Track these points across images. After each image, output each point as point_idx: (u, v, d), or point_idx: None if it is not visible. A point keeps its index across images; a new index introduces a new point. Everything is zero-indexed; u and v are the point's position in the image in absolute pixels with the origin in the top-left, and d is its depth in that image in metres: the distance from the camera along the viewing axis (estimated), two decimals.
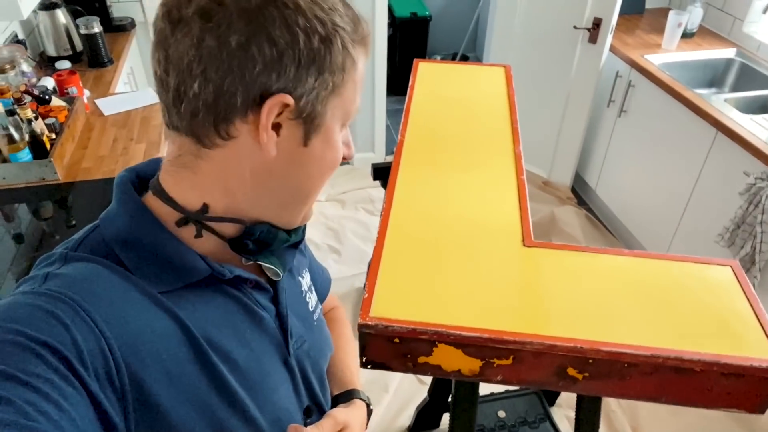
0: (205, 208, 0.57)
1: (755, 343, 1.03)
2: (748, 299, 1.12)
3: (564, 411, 1.92)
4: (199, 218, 0.57)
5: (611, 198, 2.75)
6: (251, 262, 0.63)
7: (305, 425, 0.62)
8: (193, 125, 0.52)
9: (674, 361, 1.00)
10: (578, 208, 2.88)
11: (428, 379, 1.89)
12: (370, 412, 0.80)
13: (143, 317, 0.52)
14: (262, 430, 0.60)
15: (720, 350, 1.01)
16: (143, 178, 0.61)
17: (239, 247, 0.60)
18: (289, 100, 0.51)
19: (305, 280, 0.77)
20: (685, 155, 2.21)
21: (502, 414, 1.69)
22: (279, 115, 0.52)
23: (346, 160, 0.62)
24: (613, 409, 1.92)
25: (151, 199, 0.58)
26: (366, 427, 0.78)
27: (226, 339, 0.58)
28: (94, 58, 2.24)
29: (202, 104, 0.50)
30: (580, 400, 1.40)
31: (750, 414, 1.05)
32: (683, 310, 1.09)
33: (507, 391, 1.76)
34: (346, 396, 0.78)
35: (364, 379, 2.09)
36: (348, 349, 0.89)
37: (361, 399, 0.79)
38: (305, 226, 0.68)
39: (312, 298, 0.77)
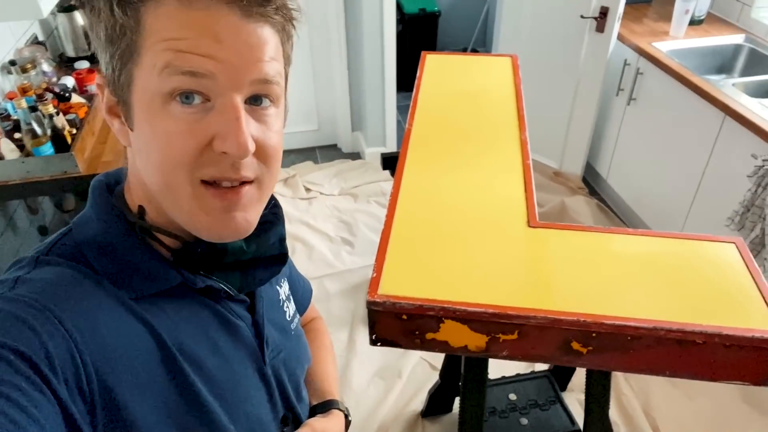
0: (141, 211, 0.56)
1: (758, 316, 1.04)
2: (751, 274, 1.14)
3: (576, 395, 1.93)
4: (140, 224, 0.55)
5: (622, 186, 2.75)
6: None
7: None
8: None
9: (677, 333, 1.02)
10: (589, 197, 2.88)
11: (440, 364, 1.92)
12: (348, 423, 0.79)
13: (114, 324, 0.51)
14: None
15: (722, 322, 1.03)
16: (121, 182, 0.60)
17: (183, 261, 0.57)
18: (101, 81, 0.51)
19: (283, 290, 0.76)
20: (695, 141, 2.21)
21: (513, 397, 1.71)
22: (114, 103, 0.52)
23: (228, 153, 0.50)
24: (624, 392, 1.93)
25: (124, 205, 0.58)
26: None
27: (199, 348, 0.57)
28: None
29: None
30: (588, 379, 1.42)
31: (753, 386, 1.07)
32: (687, 285, 1.11)
33: (518, 375, 1.79)
34: (325, 406, 0.77)
35: (378, 365, 2.12)
36: (327, 359, 0.87)
37: (339, 409, 0.78)
38: (278, 236, 0.64)
39: (290, 308, 0.76)
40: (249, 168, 0.52)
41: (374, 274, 1.11)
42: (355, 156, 3.34)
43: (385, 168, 2.03)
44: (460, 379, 1.41)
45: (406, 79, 3.62)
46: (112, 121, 0.54)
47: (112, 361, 0.49)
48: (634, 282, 1.12)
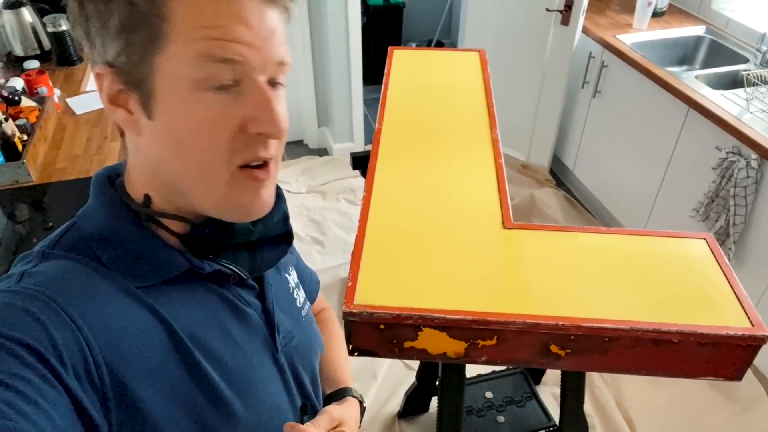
0: (147, 199, 0.55)
1: (730, 313, 1.06)
2: (722, 270, 1.15)
3: (549, 388, 1.95)
4: (143, 211, 0.55)
5: (589, 178, 2.79)
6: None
7: (301, 423, 0.61)
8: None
9: (653, 334, 1.02)
10: (557, 189, 2.91)
11: (416, 365, 1.91)
12: (363, 410, 0.80)
13: (123, 314, 0.51)
14: (250, 428, 0.59)
15: (697, 321, 1.04)
16: (121, 175, 0.60)
17: (192, 245, 0.57)
18: (103, 70, 0.50)
19: (292, 277, 0.76)
20: (659, 133, 2.24)
21: (489, 395, 1.71)
22: (120, 91, 0.51)
23: (265, 135, 0.52)
24: (597, 384, 1.96)
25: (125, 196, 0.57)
26: (360, 424, 0.78)
27: (211, 336, 0.57)
28: (63, 56, 2.19)
29: None
30: (564, 376, 1.43)
31: (728, 381, 1.09)
32: (660, 284, 1.12)
33: (493, 372, 1.79)
34: (339, 394, 0.78)
35: (352, 367, 2.10)
36: (339, 347, 0.88)
37: (353, 396, 0.78)
38: (282, 215, 0.65)
39: (300, 295, 0.76)
40: (273, 146, 0.54)
41: (349, 283, 1.08)
42: (323, 152, 3.29)
43: (355, 168, 1.99)
44: (437, 379, 1.40)
45: (372, 72, 3.58)
46: (116, 111, 0.52)
47: (121, 351, 0.49)
48: (608, 282, 1.12)
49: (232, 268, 0.60)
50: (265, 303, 0.65)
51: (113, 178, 0.59)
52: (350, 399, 0.77)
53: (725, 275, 1.14)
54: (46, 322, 0.45)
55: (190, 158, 0.51)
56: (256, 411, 0.60)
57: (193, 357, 0.54)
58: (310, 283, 0.88)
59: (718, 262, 1.17)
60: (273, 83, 0.53)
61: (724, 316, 1.05)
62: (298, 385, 0.69)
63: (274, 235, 0.64)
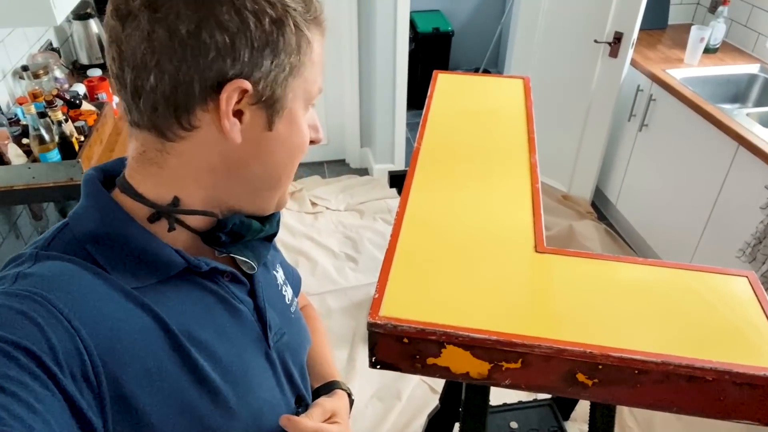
0: (176, 201, 0.56)
1: None
2: (763, 309, 1.10)
3: (578, 425, 1.89)
4: (171, 211, 0.56)
5: (632, 212, 2.72)
6: (224, 255, 0.62)
7: (297, 415, 0.62)
8: (154, 119, 0.52)
9: (686, 369, 0.98)
10: (598, 222, 2.85)
11: (440, 388, 1.88)
12: (351, 402, 0.82)
13: (119, 314, 0.51)
14: (245, 423, 0.60)
15: (733, 359, 0.99)
16: (110, 176, 0.60)
17: (212, 239, 0.59)
18: (247, 85, 0.51)
19: (279, 274, 0.77)
20: (707, 170, 2.18)
21: (514, 425, 1.67)
22: (240, 101, 0.52)
23: (314, 143, 0.62)
24: (629, 425, 1.89)
25: (119, 196, 0.57)
26: (349, 416, 0.79)
27: (206, 334, 0.57)
28: None
29: (161, 97, 0.50)
30: (593, 412, 1.38)
31: (765, 426, 1.03)
32: (696, 319, 1.08)
33: (520, 402, 1.74)
34: (328, 387, 0.80)
35: (376, 386, 2.09)
36: (323, 342, 0.90)
37: (342, 389, 0.80)
38: (279, 216, 0.68)
39: (288, 292, 0.77)
40: None
41: (376, 295, 1.09)
42: (363, 172, 3.34)
43: (392, 186, 2.01)
44: (461, 404, 1.38)
45: (417, 97, 3.62)
46: (233, 122, 0.53)
47: (118, 352, 0.49)
48: (642, 313, 1.09)
49: (241, 258, 0.62)
50: (257, 300, 0.66)
51: (101, 179, 0.59)
52: (339, 391, 0.79)
53: (766, 315, 1.09)
54: (42, 324, 0.45)
55: (288, 164, 0.59)
56: (251, 407, 0.60)
57: (189, 355, 0.55)
58: (293, 279, 0.89)
59: (759, 301, 1.12)
60: None
61: (763, 357, 1.00)
62: (289, 380, 0.70)
63: (271, 233, 0.67)
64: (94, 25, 2.29)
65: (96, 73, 2.22)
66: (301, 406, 0.71)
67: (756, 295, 1.14)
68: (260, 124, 0.54)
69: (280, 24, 0.51)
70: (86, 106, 1.85)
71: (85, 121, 1.74)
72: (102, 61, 2.34)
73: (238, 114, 0.53)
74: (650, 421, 1.90)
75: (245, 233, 0.61)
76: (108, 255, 0.54)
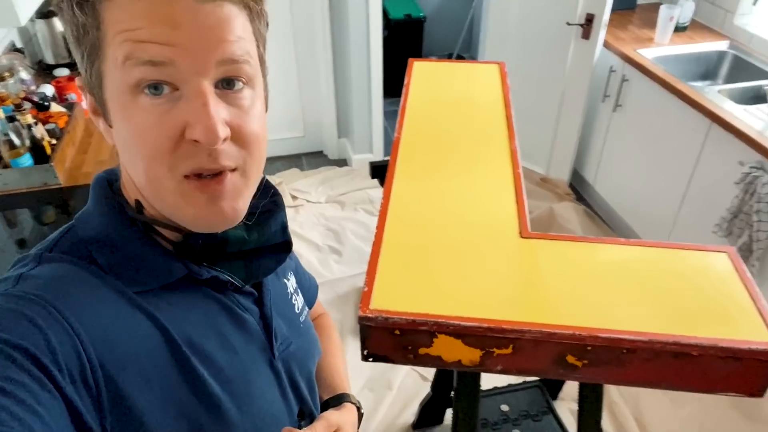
0: (139, 206, 0.55)
1: (752, 327, 1.04)
2: (744, 284, 1.13)
3: (567, 404, 1.92)
4: (140, 218, 0.55)
5: (609, 193, 2.76)
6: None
7: (299, 428, 0.60)
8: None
9: (672, 346, 1.01)
10: (577, 203, 2.89)
11: (431, 376, 1.90)
12: (361, 416, 0.79)
13: (119, 318, 0.51)
14: None
15: (717, 334, 1.02)
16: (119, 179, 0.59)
17: (185, 254, 0.57)
18: (79, 82, 0.52)
19: (291, 283, 0.75)
20: (681, 147, 2.22)
21: (505, 408, 1.70)
22: (92, 103, 0.52)
23: (199, 141, 0.48)
24: (615, 401, 1.93)
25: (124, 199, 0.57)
26: (357, 430, 0.77)
27: (208, 342, 0.57)
28: None
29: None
30: (582, 391, 1.41)
31: (748, 397, 1.06)
32: (680, 296, 1.10)
33: (510, 385, 1.77)
34: (337, 400, 0.78)
35: (367, 376, 2.09)
36: (336, 353, 0.87)
37: (351, 402, 0.78)
38: (279, 225, 0.64)
39: (298, 300, 0.75)
40: (228, 156, 0.50)
41: (365, 288, 1.09)
42: (342, 163, 3.32)
43: (374, 177, 2.01)
44: (453, 390, 1.39)
45: (392, 84, 3.60)
46: (97, 122, 0.54)
47: (117, 356, 0.49)
48: (627, 293, 1.11)
49: (227, 275, 0.59)
50: (263, 309, 0.65)
51: (113, 181, 0.59)
52: (348, 405, 0.77)
53: (747, 289, 1.12)
54: (43, 326, 0.45)
55: (137, 165, 0.50)
56: (252, 417, 0.59)
57: (189, 362, 0.54)
58: (309, 287, 0.88)
59: (740, 276, 1.15)
60: (228, 84, 0.50)
61: (746, 331, 1.03)
62: (294, 391, 0.68)
63: (272, 244, 0.63)
64: (58, 23, 2.22)
65: (63, 72, 2.16)
66: (304, 419, 0.69)
67: (736, 270, 1.16)
68: (106, 122, 0.52)
69: (62, 11, 0.49)
70: (56, 107, 1.80)
71: (56, 123, 1.70)
72: (69, 60, 2.28)
73: (95, 113, 0.53)
74: (636, 398, 1.95)
75: (224, 246, 0.58)
76: (110, 259, 0.54)
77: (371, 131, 3.17)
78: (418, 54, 3.94)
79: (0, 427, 0.39)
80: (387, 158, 3.28)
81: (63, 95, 1.93)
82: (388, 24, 3.71)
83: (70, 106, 1.85)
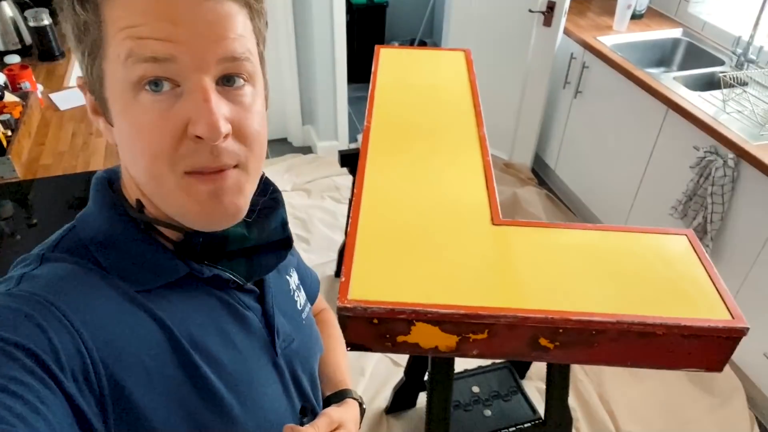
0: (139, 205, 0.55)
1: (712, 306, 1.10)
2: (703, 265, 1.19)
3: (534, 383, 1.99)
4: (141, 218, 0.55)
5: (570, 177, 2.83)
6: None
7: (301, 425, 0.60)
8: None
9: (638, 326, 1.05)
10: (539, 188, 2.95)
11: (403, 361, 1.93)
12: (363, 411, 0.80)
13: (122, 317, 0.51)
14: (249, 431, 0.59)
15: (680, 314, 1.07)
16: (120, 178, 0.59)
17: (187, 252, 0.57)
18: (80, 80, 0.52)
19: (293, 279, 0.75)
20: (639, 133, 2.29)
21: (476, 389, 1.74)
22: (92, 102, 0.53)
23: (202, 137, 0.48)
24: (580, 379, 2.00)
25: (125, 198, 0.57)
26: (360, 426, 0.77)
27: (211, 340, 0.57)
28: (45, 51, 2.16)
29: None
30: (549, 370, 1.46)
31: (709, 372, 1.13)
32: (644, 279, 1.15)
33: (480, 367, 1.81)
34: (339, 396, 0.78)
35: None
36: (338, 349, 0.87)
37: (353, 398, 0.78)
38: (279, 222, 0.64)
39: (300, 297, 0.75)
40: (229, 154, 0.50)
41: (343, 279, 1.10)
42: (307, 150, 3.29)
43: (343, 165, 2.00)
44: (426, 375, 1.42)
45: (356, 70, 3.58)
46: (97, 121, 0.53)
47: (120, 355, 0.49)
48: (595, 277, 1.15)
49: (228, 274, 0.59)
50: (265, 306, 0.65)
51: (113, 180, 0.59)
52: (350, 401, 0.77)
53: (706, 270, 1.18)
54: (45, 326, 0.45)
55: (139, 163, 0.50)
56: (255, 414, 0.59)
57: (192, 361, 0.54)
58: (311, 283, 0.88)
59: (699, 258, 1.21)
60: (229, 81, 0.50)
61: (706, 310, 1.09)
62: (297, 388, 0.68)
63: (273, 241, 0.63)
64: (7, 7, 2.11)
65: (14, 59, 2.06)
66: (306, 415, 0.69)
67: (695, 252, 1.22)
68: (107, 121, 0.53)
69: (63, 11, 0.49)
70: (9, 97, 1.72)
71: (11, 113, 1.63)
72: (20, 46, 2.18)
73: (95, 112, 0.53)
74: (600, 375, 2.03)
75: (225, 244, 0.58)
76: (112, 259, 0.54)
77: (336, 118, 3.15)
78: (381, 40, 3.92)
79: (3, 426, 0.39)
80: (352, 146, 3.27)
81: (16, 84, 1.85)
82: (350, 9, 3.67)
83: (24, 96, 1.77)
